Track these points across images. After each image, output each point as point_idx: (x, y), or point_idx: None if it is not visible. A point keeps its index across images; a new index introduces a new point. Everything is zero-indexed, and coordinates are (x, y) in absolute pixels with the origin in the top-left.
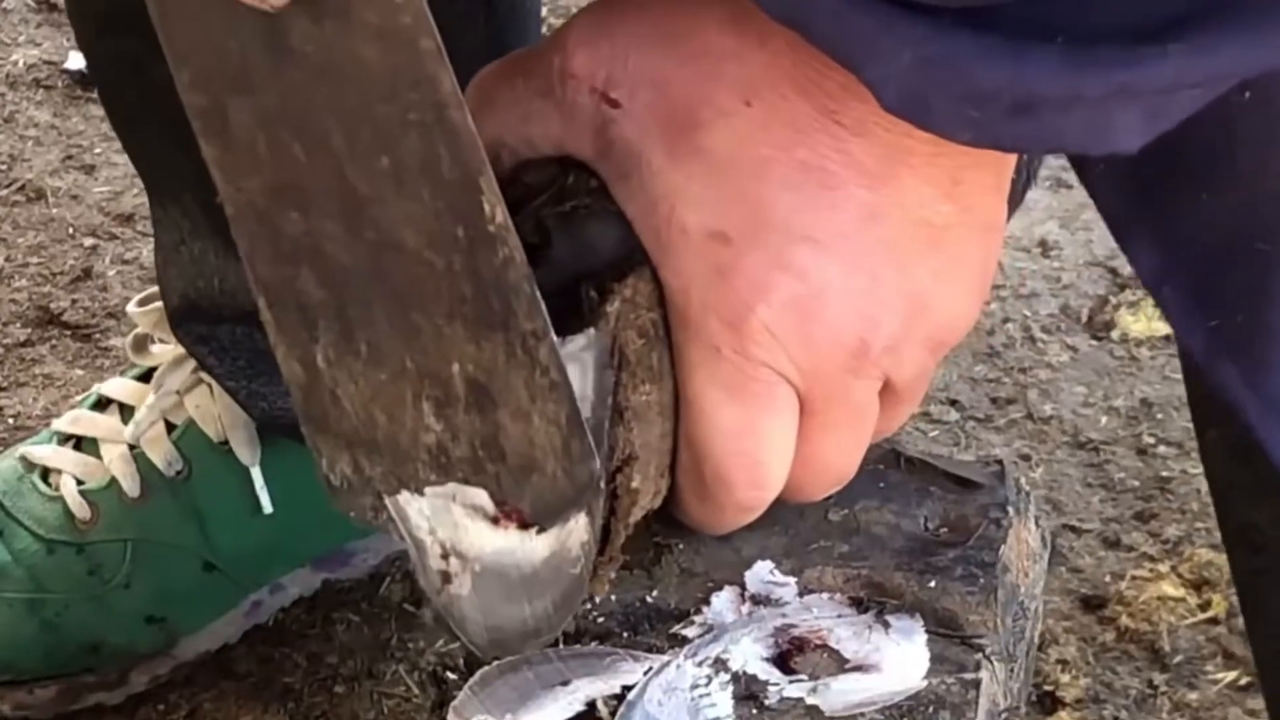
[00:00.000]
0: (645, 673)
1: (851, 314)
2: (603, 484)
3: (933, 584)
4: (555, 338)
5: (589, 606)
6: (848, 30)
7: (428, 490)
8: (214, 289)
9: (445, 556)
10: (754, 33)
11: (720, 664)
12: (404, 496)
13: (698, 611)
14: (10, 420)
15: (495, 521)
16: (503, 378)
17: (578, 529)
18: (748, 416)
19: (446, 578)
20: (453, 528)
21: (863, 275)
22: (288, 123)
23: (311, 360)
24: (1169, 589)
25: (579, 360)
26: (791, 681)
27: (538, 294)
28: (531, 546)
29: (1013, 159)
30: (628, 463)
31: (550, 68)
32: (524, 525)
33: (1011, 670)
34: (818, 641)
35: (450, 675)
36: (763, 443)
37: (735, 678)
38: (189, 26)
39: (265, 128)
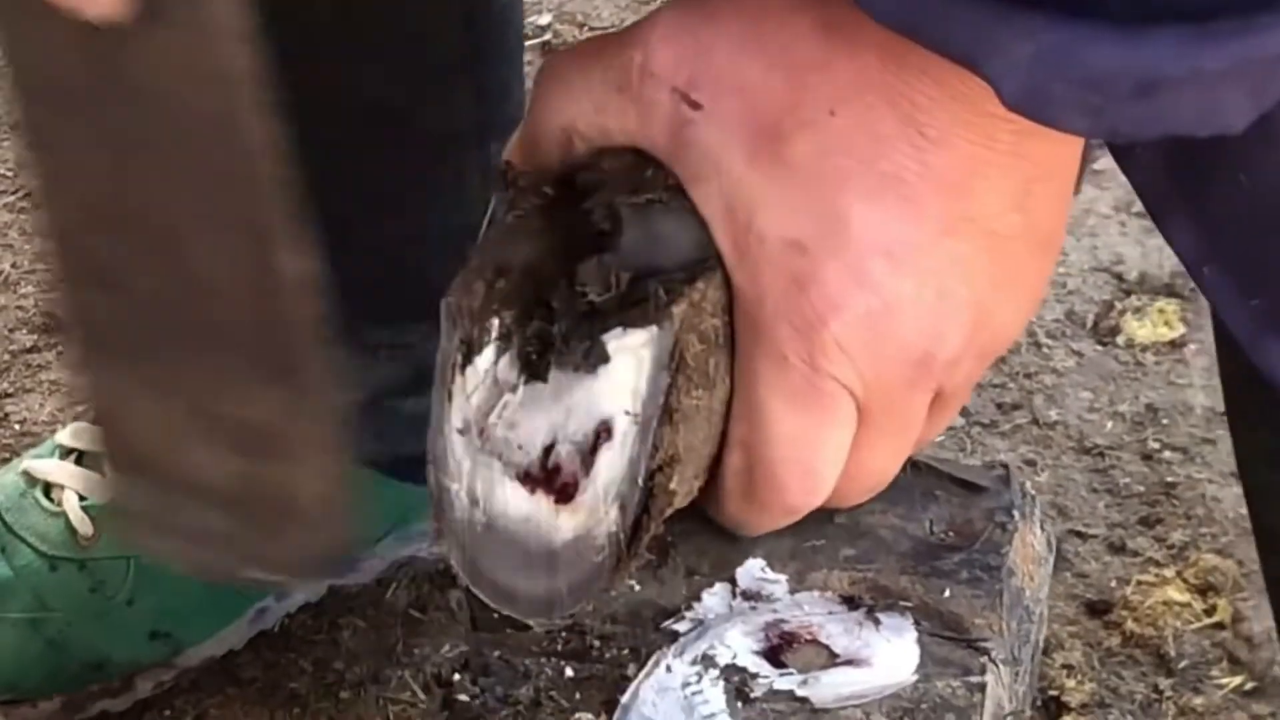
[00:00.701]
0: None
1: (920, 328)
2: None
3: (938, 587)
4: (335, 392)
5: (591, 607)
6: (964, 28)
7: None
8: None
9: (473, 504)
10: (843, 41)
11: (709, 660)
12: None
13: (689, 607)
14: (16, 426)
15: (531, 488)
16: (280, 427)
17: (608, 520)
18: (809, 426)
19: (468, 527)
20: (488, 479)
21: (933, 289)
22: (107, 145)
23: (99, 380)
24: (1174, 594)
25: (636, 356)
26: (781, 674)
27: (326, 353)
28: (557, 524)
29: (1075, 171)
30: (670, 464)
31: (630, 63)
32: (558, 500)
33: (1016, 674)
34: (808, 637)
35: (456, 678)
36: (820, 452)
37: (725, 672)
38: (18, 37)
39: (85, 148)
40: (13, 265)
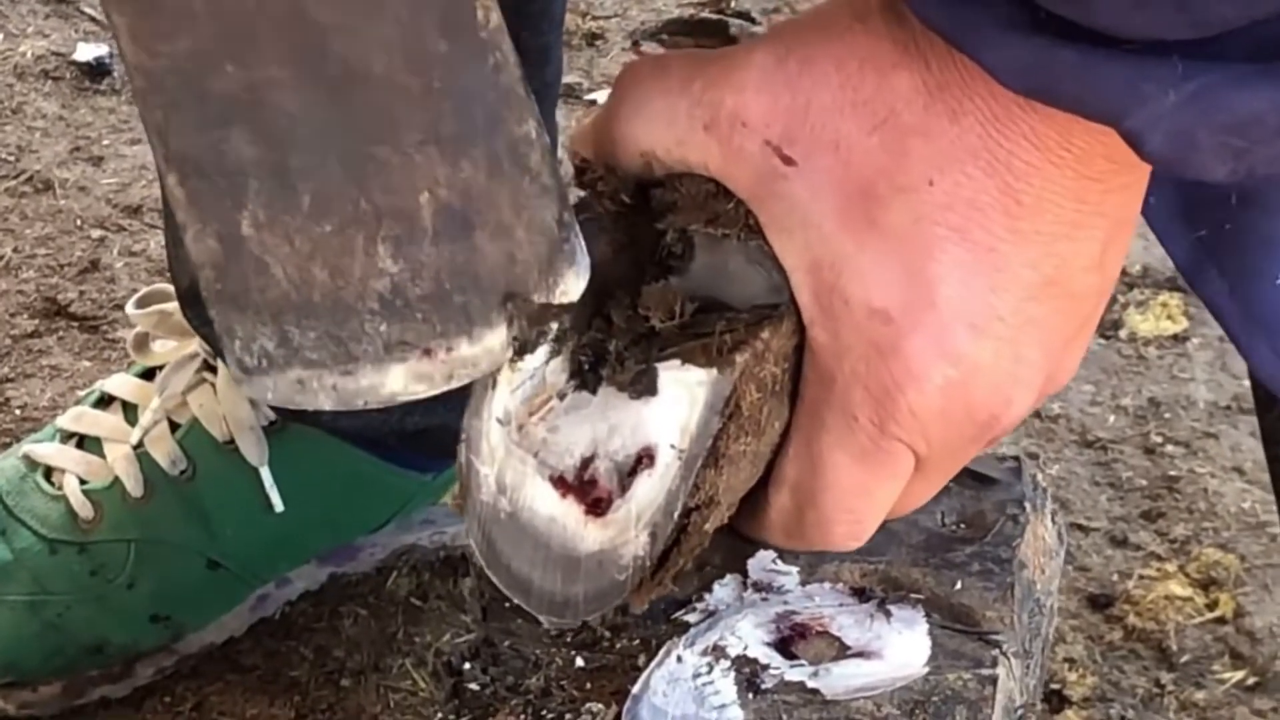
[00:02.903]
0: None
1: (992, 395)
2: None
3: (949, 580)
4: (547, 141)
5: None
6: (1103, 85)
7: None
8: None
9: (501, 492)
10: (945, 106)
11: (719, 651)
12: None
13: (699, 598)
14: (17, 411)
15: (563, 493)
16: (482, 195)
17: (637, 543)
18: (867, 482)
19: (492, 511)
20: (519, 473)
21: (1010, 355)
22: None
23: (234, 230)
24: (1176, 588)
25: (691, 393)
26: (793, 666)
27: (531, 95)
28: (584, 533)
29: (1136, 219)
30: (708, 505)
31: (719, 105)
32: (588, 511)
33: (1027, 667)
34: (819, 628)
35: (467, 667)
36: (874, 504)
37: (736, 663)
38: None
39: None
40: (14, 250)
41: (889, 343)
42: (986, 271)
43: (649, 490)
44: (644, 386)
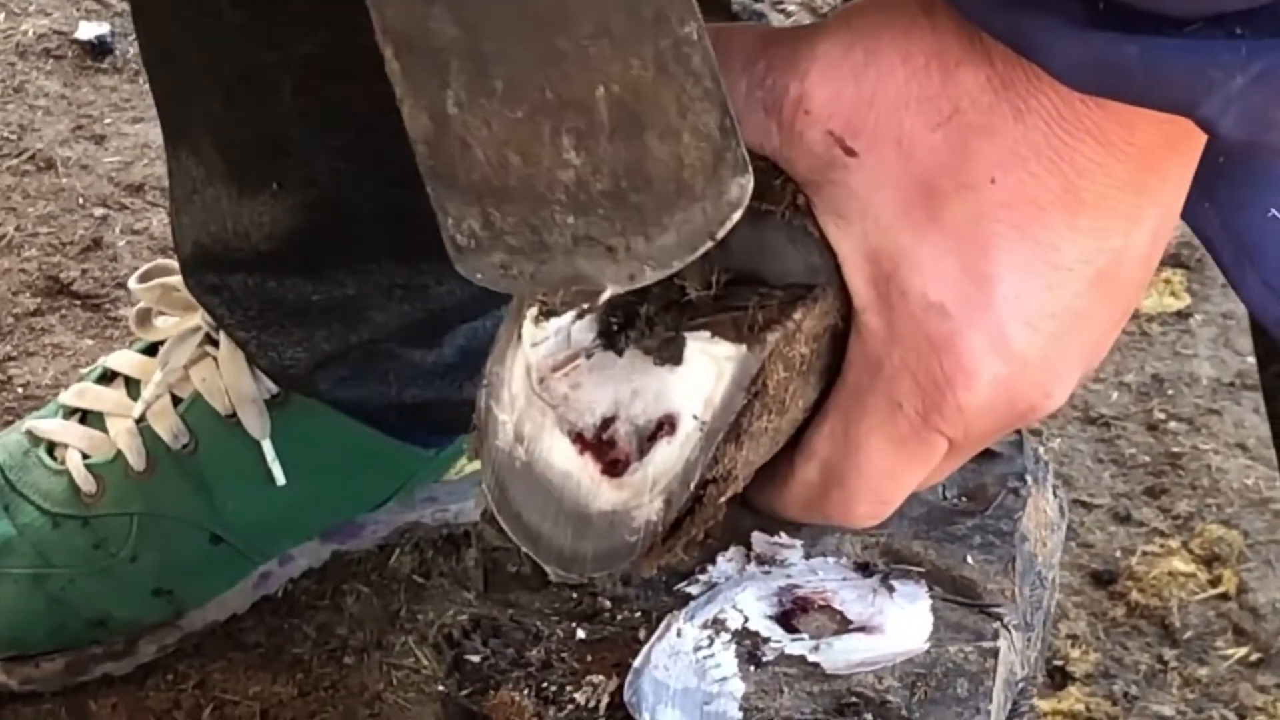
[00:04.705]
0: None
1: (1035, 388)
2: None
3: (951, 553)
4: (709, 44)
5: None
6: (1170, 76)
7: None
8: (226, 233)
9: (518, 441)
10: (1010, 104)
11: (719, 624)
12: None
13: (702, 570)
14: (20, 390)
15: (580, 449)
16: (651, 95)
17: (650, 508)
18: (899, 467)
19: (507, 459)
20: (538, 424)
21: (1058, 349)
22: None
23: (441, 109)
24: (1179, 564)
25: (718, 366)
26: (794, 639)
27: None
28: (598, 492)
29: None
30: (725, 479)
31: (783, 92)
32: (605, 470)
33: (1029, 639)
34: (821, 602)
35: (467, 640)
36: (900, 488)
37: (737, 636)
38: None
39: None
40: (16, 228)
41: (944, 337)
42: (1044, 270)
43: (667, 457)
44: (671, 354)
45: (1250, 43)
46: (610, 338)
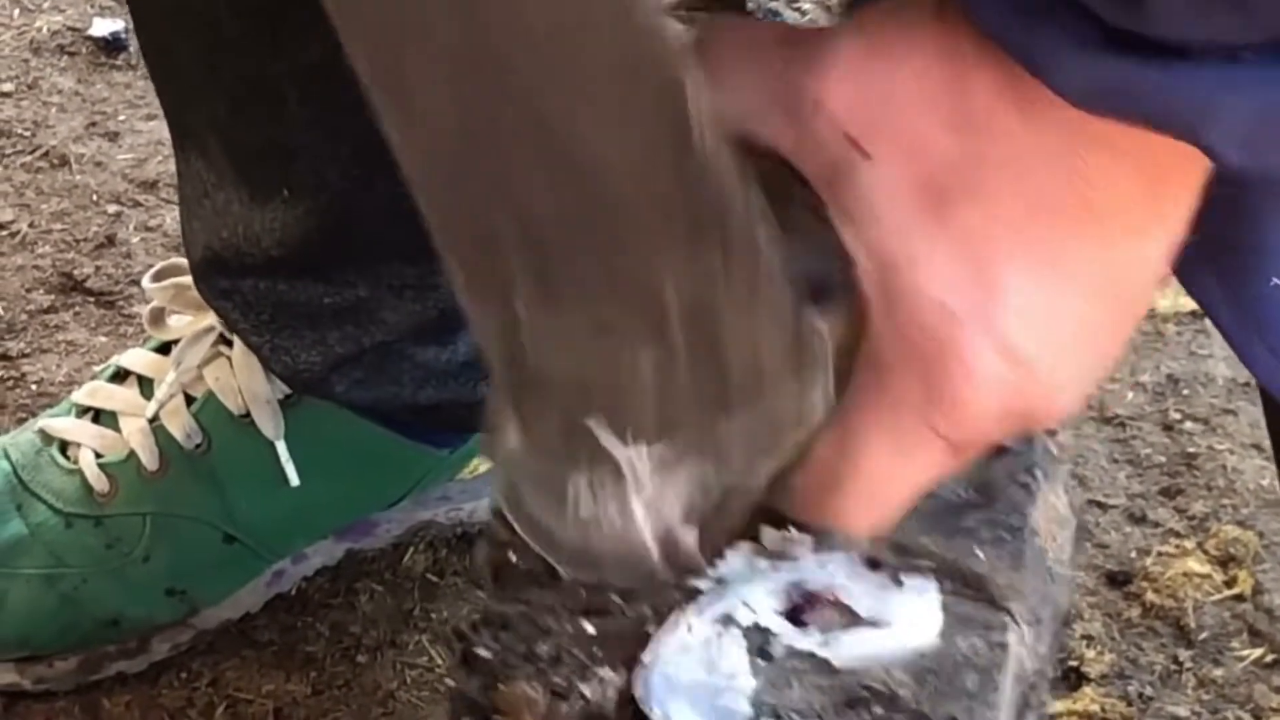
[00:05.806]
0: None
1: (1039, 395)
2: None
3: (960, 546)
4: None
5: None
6: (1176, 102)
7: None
8: (237, 237)
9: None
10: (1023, 110)
11: (728, 619)
12: None
13: (711, 565)
14: (33, 386)
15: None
16: (716, 292)
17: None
18: (899, 470)
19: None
20: None
21: (1062, 360)
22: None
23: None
24: (1195, 565)
25: None
26: (803, 634)
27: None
28: None
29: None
30: (745, 486)
31: (801, 91)
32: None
33: (1039, 634)
34: (830, 598)
35: (476, 634)
36: (900, 492)
37: (746, 631)
38: None
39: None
40: (30, 225)
41: (952, 342)
42: (1055, 277)
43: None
44: None
45: (1260, 71)
46: None
